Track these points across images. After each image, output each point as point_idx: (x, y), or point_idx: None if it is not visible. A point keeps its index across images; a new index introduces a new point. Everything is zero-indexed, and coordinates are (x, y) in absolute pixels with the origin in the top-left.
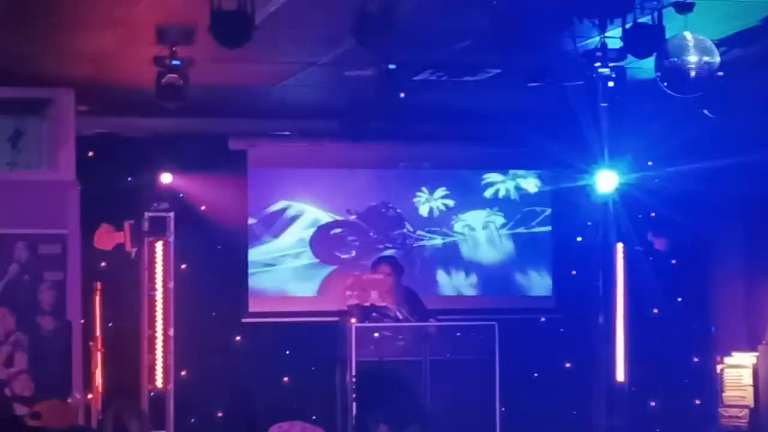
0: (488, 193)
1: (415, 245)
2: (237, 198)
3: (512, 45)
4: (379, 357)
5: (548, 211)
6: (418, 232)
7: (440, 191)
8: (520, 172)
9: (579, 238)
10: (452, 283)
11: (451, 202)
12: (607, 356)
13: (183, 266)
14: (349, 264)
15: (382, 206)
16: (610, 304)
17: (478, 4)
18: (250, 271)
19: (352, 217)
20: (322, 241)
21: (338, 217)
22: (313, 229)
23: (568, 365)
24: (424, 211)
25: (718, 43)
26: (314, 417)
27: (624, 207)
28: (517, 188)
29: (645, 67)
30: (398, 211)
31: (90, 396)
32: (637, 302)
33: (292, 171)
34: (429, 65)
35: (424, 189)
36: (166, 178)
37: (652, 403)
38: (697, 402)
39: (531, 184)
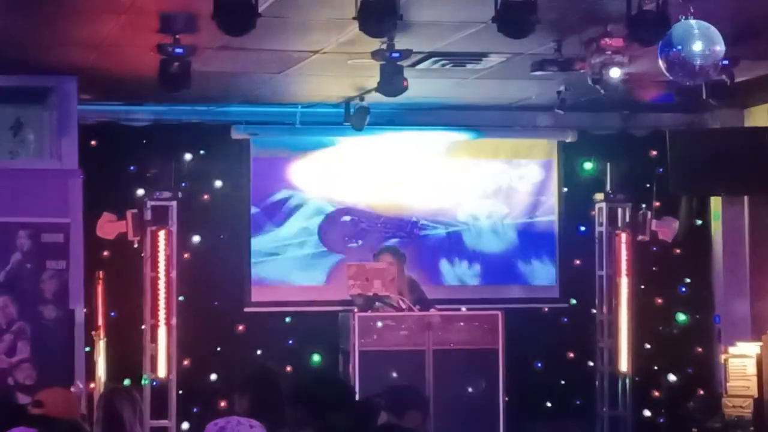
0: (492, 183)
1: (421, 234)
2: (240, 187)
3: (516, 33)
4: (381, 346)
5: (552, 200)
6: (423, 221)
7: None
8: (524, 161)
9: (583, 228)
10: (455, 273)
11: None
12: (610, 346)
13: (185, 255)
14: (356, 253)
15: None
16: (614, 294)
17: None
18: (252, 260)
19: (362, 204)
20: (331, 228)
21: (348, 205)
22: (317, 218)
23: (571, 355)
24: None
25: None
26: None
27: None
28: (521, 178)
29: None
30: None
31: (92, 385)
32: (640, 292)
33: (295, 160)
34: (433, 53)
35: None
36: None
37: (656, 394)
38: (701, 392)
39: (535, 172)
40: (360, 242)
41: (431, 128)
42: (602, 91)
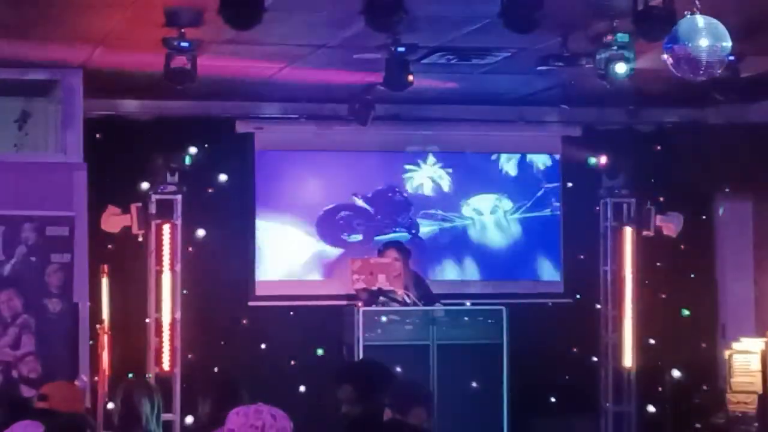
0: (496, 178)
1: (422, 229)
2: (244, 181)
3: (522, 28)
4: (385, 341)
5: (557, 195)
6: (426, 215)
7: (431, 160)
8: (528, 156)
9: (587, 223)
10: (460, 268)
11: (447, 178)
12: (614, 341)
13: (190, 249)
14: (356, 247)
15: (389, 190)
16: (618, 289)
17: None
18: (256, 254)
19: (359, 201)
20: (328, 224)
21: (345, 201)
22: (318, 212)
23: (575, 350)
24: (427, 189)
25: None
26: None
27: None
28: (525, 172)
29: None
30: (405, 195)
31: (96, 378)
32: (645, 287)
33: (299, 154)
34: (438, 48)
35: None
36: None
37: (660, 389)
38: (705, 388)
39: (540, 167)
40: (360, 236)
41: (435, 123)
42: (608, 86)
